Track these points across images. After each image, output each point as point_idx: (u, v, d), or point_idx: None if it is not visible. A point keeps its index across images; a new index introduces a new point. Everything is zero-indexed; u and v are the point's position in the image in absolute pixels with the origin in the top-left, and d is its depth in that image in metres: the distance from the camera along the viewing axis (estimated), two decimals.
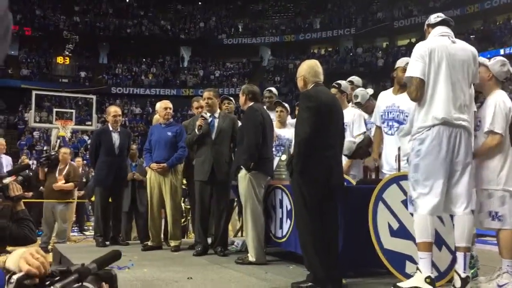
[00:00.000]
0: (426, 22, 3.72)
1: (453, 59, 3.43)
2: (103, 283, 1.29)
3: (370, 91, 5.23)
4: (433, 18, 3.67)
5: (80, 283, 1.21)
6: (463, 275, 3.35)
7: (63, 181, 7.52)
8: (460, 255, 3.40)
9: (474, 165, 3.64)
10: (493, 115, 3.62)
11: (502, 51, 24.47)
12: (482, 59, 3.86)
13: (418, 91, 3.41)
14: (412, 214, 3.48)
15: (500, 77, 3.76)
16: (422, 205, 3.35)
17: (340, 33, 34.30)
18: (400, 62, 4.60)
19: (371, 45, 34.44)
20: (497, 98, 3.66)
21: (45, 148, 23.29)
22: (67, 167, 7.68)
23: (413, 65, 3.46)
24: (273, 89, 6.47)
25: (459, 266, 3.37)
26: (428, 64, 3.41)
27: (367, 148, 4.84)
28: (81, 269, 1.24)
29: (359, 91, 5.03)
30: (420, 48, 3.49)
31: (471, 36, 28.40)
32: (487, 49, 25.35)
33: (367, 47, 34.39)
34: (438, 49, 3.43)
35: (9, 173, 3.00)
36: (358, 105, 4.98)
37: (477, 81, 3.63)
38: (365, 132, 5.06)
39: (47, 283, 1.20)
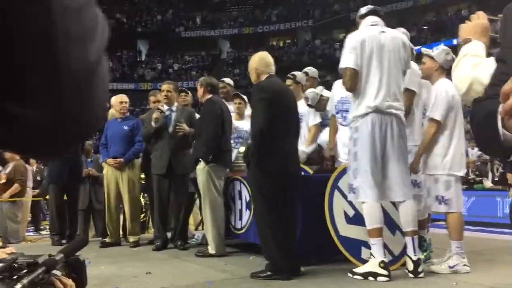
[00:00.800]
0: (357, 14, 3.82)
1: (383, 48, 3.52)
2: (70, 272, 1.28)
3: (319, 90, 5.28)
4: (363, 10, 3.78)
5: (47, 274, 1.19)
6: (414, 258, 3.48)
7: (4, 180, 7.30)
8: (408, 239, 3.52)
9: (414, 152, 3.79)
10: (434, 102, 3.75)
11: (454, 41, 25.27)
12: (426, 51, 4.00)
13: (352, 81, 3.51)
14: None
15: (446, 66, 3.89)
16: (363, 192, 3.45)
17: (298, 25, 34.54)
18: None
19: (329, 36, 34.84)
20: (439, 87, 3.79)
21: None
22: (11, 165, 7.43)
23: (345, 57, 3.55)
24: (227, 80, 6.43)
25: (409, 250, 3.50)
26: (360, 55, 3.49)
27: (318, 157, 4.92)
28: (48, 260, 1.22)
29: (309, 93, 5.08)
30: (351, 40, 3.57)
31: (424, 27, 29.21)
32: (439, 39, 26.10)
33: (325, 38, 34.76)
34: (368, 40, 3.52)
35: None
36: (309, 106, 5.05)
37: (409, 68, 3.73)
38: (317, 124, 5.12)
39: (15, 277, 1.17)
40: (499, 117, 0.91)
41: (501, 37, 1.15)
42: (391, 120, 3.47)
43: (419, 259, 3.51)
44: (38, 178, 10.58)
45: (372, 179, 3.43)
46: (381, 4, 29.28)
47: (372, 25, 3.63)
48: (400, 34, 3.72)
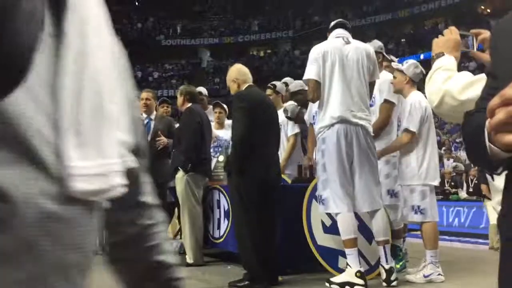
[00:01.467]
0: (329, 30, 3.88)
1: (346, 58, 3.58)
2: None
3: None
4: (333, 23, 3.86)
5: None
6: (386, 267, 3.54)
7: None
8: (380, 249, 3.58)
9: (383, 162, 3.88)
10: (408, 114, 3.84)
11: (432, 54, 25.75)
12: (396, 65, 4.10)
13: (315, 92, 3.57)
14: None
15: (416, 79, 3.99)
16: (333, 204, 3.49)
17: (278, 35, 34.81)
18: None
19: (309, 47, 34.97)
20: (413, 99, 3.89)
21: None
22: None
23: (308, 68, 3.62)
24: (203, 90, 6.41)
25: (382, 259, 3.56)
26: (322, 66, 3.55)
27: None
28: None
29: (288, 105, 5.15)
30: (314, 52, 3.64)
31: (402, 40, 29.74)
32: (417, 52, 26.61)
33: (304, 49, 35.08)
34: (331, 51, 3.58)
35: None
36: (289, 119, 5.11)
37: (375, 78, 3.81)
38: (296, 134, 5.17)
39: None
40: (486, 132, 0.95)
41: (491, 52, 1.20)
42: (357, 130, 3.52)
43: (391, 267, 3.57)
44: None
45: (341, 190, 3.47)
46: (360, 16, 29.75)
47: (337, 37, 3.69)
48: (364, 45, 3.79)
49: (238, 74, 4.01)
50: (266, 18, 36.50)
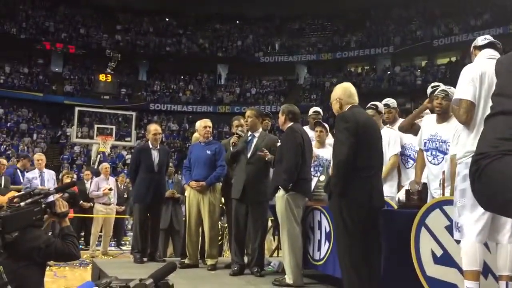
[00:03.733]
0: (473, 44, 3.67)
1: None
2: None
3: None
4: (480, 40, 3.62)
5: None
6: None
7: None
8: (502, 284, 3.28)
9: None
10: None
11: None
12: None
13: (468, 114, 3.34)
14: (458, 242, 3.37)
15: None
16: (469, 231, 3.24)
17: (377, 51, 34.05)
18: (431, 90, 4.59)
19: (410, 63, 34.00)
20: None
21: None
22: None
23: (463, 88, 3.39)
24: (319, 109, 6.44)
25: None
26: (479, 88, 3.33)
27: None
28: (139, 285, 1.28)
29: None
30: (470, 71, 3.41)
31: None
32: None
33: (405, 65, 33.96)
34: (488, 73, 3.35)
35: (57, 190, 3.09)
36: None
37: None
38: (397, 154, 5.04)
39: None
40: None
41: (506, 90, 1.06)
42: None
43: None
44: (125, 196, 11.09)
45: (481, 218, 3.22)
46: (467, 31, 28.17)
47: (490, 58, 3.48)
48: None
49: (343, 94, 3.96)
50: (365, 33, 35.93)
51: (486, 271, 3.52)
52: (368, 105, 5.20)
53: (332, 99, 4.02)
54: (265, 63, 36.20)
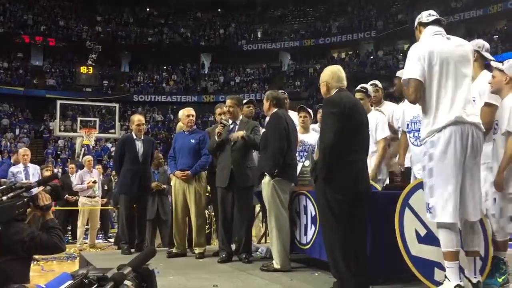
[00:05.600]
0: (417, 20, 3.64)
1: (452, 56, 3.35)
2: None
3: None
4: (425, 16, 3.59)
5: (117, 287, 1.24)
6: (474, 281, 3.29)
7: None
8: (470, 260, 3.34)
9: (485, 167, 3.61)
10: (509, 116, 3.55)
11: None
12: (496, 64, 3.81)
13: (418, 92, 3.34)
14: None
15: None
16: (441, 212, 3.26)
17: (360, 36, 34.11)
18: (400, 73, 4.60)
19: (392, 47, 34.14)
20: None
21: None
22: None
23: (411, 67, 3.37)
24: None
25: (470, 272, 3.31)
26: (428, 66, 3.32)
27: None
28: (117, 274, 1.27)
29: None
30: (417, 50, 3.40)
31: (494, 37, 27.93)
32: (511, 49, 24.87)
33: (387, 50, 34.10)
34: (437, 49, 3.35)
35: (39, 183, 3.06)
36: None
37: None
38: (385, 138, 5.02)
39: None
40: None
41: None
42: (472, 129, 3.26)
43: (479, 282, 3.32)
44: (105, 188, 11.05)
45: (451, 197, 3.23)
46: (447, 13, 28.43)
47: (435, 34, 3.48)
48: (465, 41, 3.55)
49: (331, 78, 3.91)
50: (347, 19, 35.93)
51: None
52: (358, 88, 5.20)
53: (321, 82, 3.99)
54: (248, 51, 36.08)
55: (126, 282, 1.29)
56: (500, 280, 3.78)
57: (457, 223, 3.28)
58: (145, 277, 1.41)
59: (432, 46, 3.37)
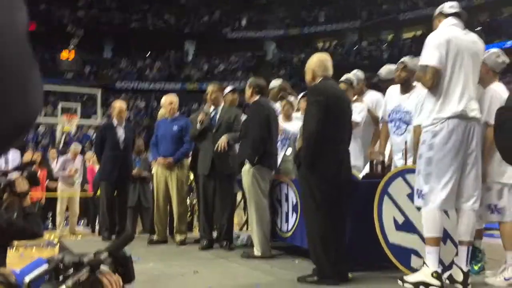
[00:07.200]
0: (439, 10, 3.65)
1: (467, 51, 3.41)
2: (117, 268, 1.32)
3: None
4: (448, 7, 3.60)
5: (93, 274, 1.23)
6: (465, 269, 3.36)
7: None
8: (463, 249, 3.40)
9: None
10: (489, 107, 3.61)
11: (509, 43, 24.30)
12: None
13: (434, 79, 3.37)
14: (419, 208, 3.47)
15: (497, 69, 3.75)
16: (434, 199, 3.33)
17: (345, 26, 34.12)
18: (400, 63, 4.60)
19: (376, 38, 34.25)
20: (493, 91, 3.65)
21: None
22: None
23: (429, 54, 3.40)
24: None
25: (462, 260, 3.39)
26: (445, 55, 3.36)
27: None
28: (93, 261, 1.26)
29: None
30: (437, 37, 3.43)
31: (478, 28, 28.19)
32: (493, 41, 25.15)
33: (372, 40, 34.19)
34: (455, 40, 3.39)
35: (16, 169, 3.01)
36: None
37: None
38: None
39: (60, 277, 1.21)
40: None
41: None
42: (474, 124, 3.34)
43: (469, 270, 3.41)
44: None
45: (446, 186, 3.30)
46: (431, 4, 28.58)
47: (453, 25, 3.51)
48: (479, 39, 3.60)
49: (317, 66, 3.91)
50: (333, 8, 35.89)
51: (446, 236, 3.65)
52: (342, 78, 5.20)
53: (307, 69, 3.99)
54: (233, 39, 35.82)
55: (102, 267, 1.28)
56: (476, 267, 3.87)
57: (442, 212, 3.36)
58: (122, 262, 1.40)
59: (451, 36, 3.41)
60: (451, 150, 3.31)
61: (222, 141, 5.15)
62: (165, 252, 5.18)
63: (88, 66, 32.89)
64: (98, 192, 7.44)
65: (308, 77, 3.95)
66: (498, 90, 3.67)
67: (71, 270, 1.24)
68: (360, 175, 4.51)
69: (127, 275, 1.40)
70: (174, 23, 36.72)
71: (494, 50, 3.89)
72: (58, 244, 6.60)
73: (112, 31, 35.08)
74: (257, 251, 4.66)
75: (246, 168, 4.73)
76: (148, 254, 4.92)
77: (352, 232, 3.86)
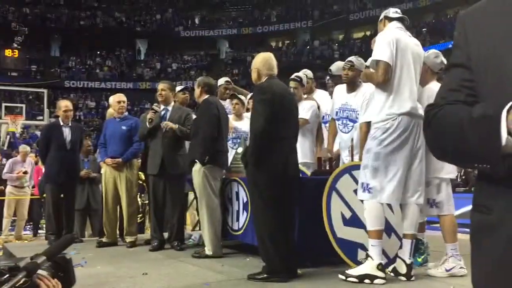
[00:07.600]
0: (384, 14, 3.79)
1: (412, 52, 3.57)
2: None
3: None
4: (392, 12, 3.77)
5: (29, 278, 1.18)
6: (408, 261, 3.48)
7: None
8: (407, 242, 3.52)
9: None
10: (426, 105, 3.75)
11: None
12: None
13: (387, 74, 3.48)
14: (362, 201, 3.56)
15: (435, 69, 3.91)
16: (381, 193, 3.43)
17: (297, 25, 34.53)
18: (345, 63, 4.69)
19: (328, 37, 34.85)
20: (432, 89, 3.80)
21: None
22: None
23: (381, 50, 3.51)
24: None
25: (405, 253, 3.51)
26: (395, 52, 3.49)
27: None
28: (30, 264, 1.21)
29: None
30: (387, 36, 3.56)
31: (423, 29, 29.20)
32: (438, 42, 26.14)
33: (323, 39, 34.77)
34: (403, 41, 3.53)
35: None
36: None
37: None
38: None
39: None
40: (504, 123, 0.91)
41: (459, 43, 1.15)
42: (419, 122, 3.45)
43: (412, 263, 3.54)
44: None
45: (394, 180, 3.42)
46: (380, 5, 29.31)
47: (399, 29, 3.65)
48: (420, 44, 3.77)
49: (262, 65, 3.94)
50: (285, 8, 36.21)
51: (390, 230, 3.77)
52: (292, 76, 5.24)
53: (252, 68, 4.01)
54: (186, 37, 35.52)
55: (39, 271, 1.23)
56: (419, 259, 4.00)
57: (392, 206, 3.47)
58: (61, 266, 1.35)
59: (398, 35, 3.55)
60: (400, 145, 3.43)
61: (171, 125, 5.09)
62: (114, 254, 5.06)
63: (34, 65, 31.71)
64: (44, 194, 7.18)
65: (254, 76, 3.98)
66: (435, 89, 3.81)
67: (7, 275, 1.19)
68: (309, 172, 4.57)
69: (68, 279, 1.36)
70: (125, 21, 35.98)
71: (433, 50, 4.06)
72: (2, 249, 6.33)
73: (60, 28, 33.99)
74: (208, 250, 4.64)
75: (197, 167, 4.69)
76: (96, 257, 4.79)
77: (301, 228, 3.91)
